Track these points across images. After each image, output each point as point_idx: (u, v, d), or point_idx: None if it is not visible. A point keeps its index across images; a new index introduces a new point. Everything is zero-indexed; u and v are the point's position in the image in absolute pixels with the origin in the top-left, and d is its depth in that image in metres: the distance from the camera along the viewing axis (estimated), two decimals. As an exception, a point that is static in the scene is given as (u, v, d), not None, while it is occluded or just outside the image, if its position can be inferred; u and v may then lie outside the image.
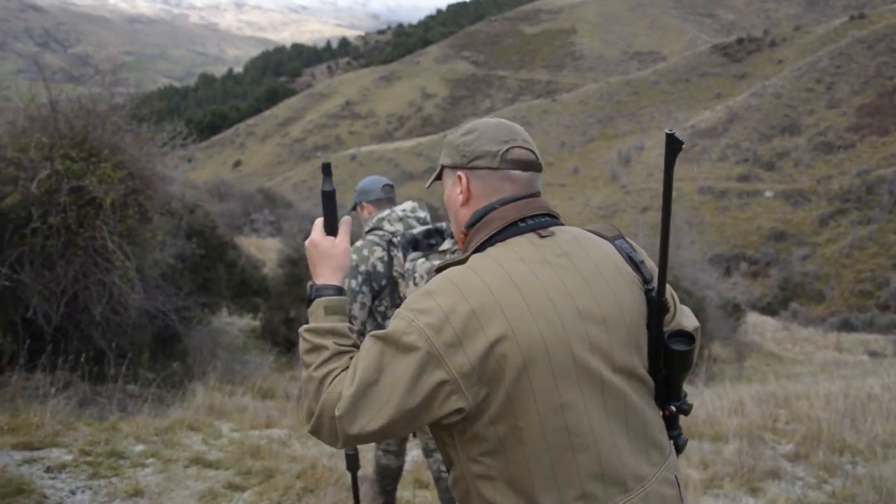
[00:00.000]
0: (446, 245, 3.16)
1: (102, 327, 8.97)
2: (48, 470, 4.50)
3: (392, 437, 1.53)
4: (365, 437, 1.49)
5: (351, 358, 1.58)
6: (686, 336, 1.64)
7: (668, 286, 1.69)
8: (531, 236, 1.63)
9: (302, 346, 1.62)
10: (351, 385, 1.48)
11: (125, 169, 8.88)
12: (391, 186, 3.78)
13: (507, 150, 1.68)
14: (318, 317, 1.65)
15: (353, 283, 3.37)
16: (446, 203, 1.79)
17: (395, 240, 3.46)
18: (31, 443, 5.00)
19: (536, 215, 1.66)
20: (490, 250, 1.61)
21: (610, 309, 1.57)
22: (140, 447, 5.08)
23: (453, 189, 1.74)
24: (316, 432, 1.53)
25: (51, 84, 9.16)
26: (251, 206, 33.44)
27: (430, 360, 1.46)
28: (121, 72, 10.59)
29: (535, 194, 1.71)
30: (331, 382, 1.52)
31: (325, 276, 1.73)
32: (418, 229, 3.31)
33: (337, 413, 1.47)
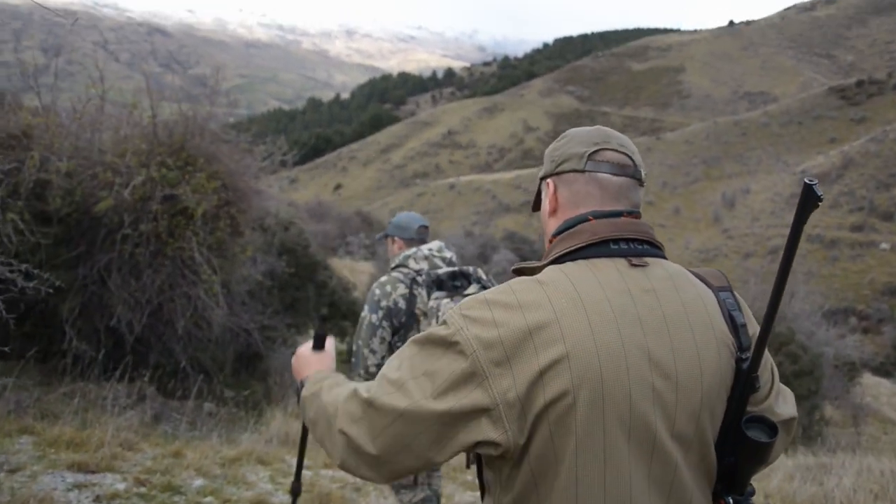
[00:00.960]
0: (472, 290, 3.21)
1: (184, 341, 8.70)
2: (97, 500, 4.09)
3: (419, 462, 1.36)
4: (394, 457, 1.36)
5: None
6: (769, 425, 1.39)
7: (770, 362, 1.52)
8: (620, 262, 1.41)
9: (306, 418, 1.57)
10: (371, 387, 1.40)
11: (219, 180, 8.64)
12: (426, 228, 3.80)
13: (596, 152, 1.49)
14: (310, 390, 1.62)
15: (374, 318, 3.40)
16: (541, 217, 1.61)
17: (419, 278, 3.47)
18: (88, 464, 4.63)
19: (633, 239, 1.44)
20: (568, 266, 1.40)
21: (687, 366, 1.34)
22: (199, 482, 4.63)
23: (545, 199, 1.58)
24: (348, 469, 1.45)
25: (153, 91, 9.00)
26: (347, 229, 33.71)
27: (473, 378, 1.29)
28: (234, 93, 10.46)
29: (636, 214, 1.49)
30: (336, 410, 1.44)
31: (307, 372, 1.76)
32: (444, 270, 3.41)
33: (343, 427, 1.41)
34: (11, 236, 7.36)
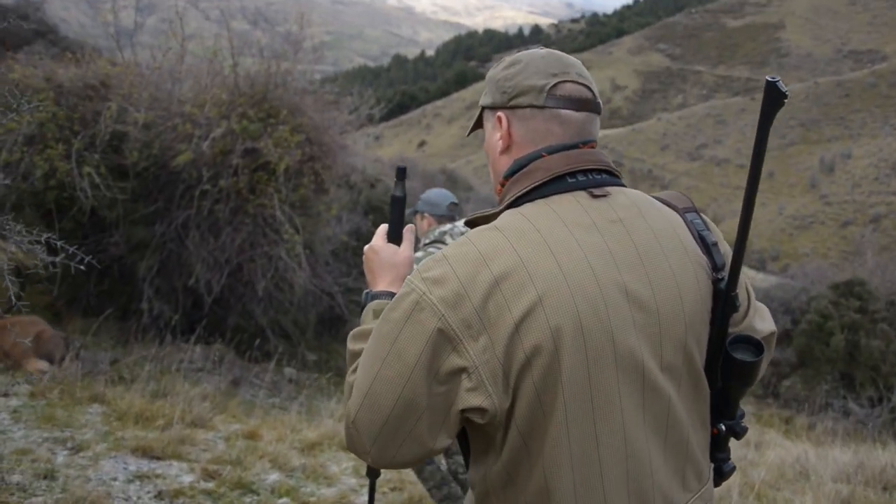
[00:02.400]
0: None
1: (264, 303, 8.28)
2: (158, 496, 3.60)
3: (421, 449, 1.25)
4: (384, 453, 1.25)
5: None
6: (754, 344, 1.32)
7: (744, 280, 1.42)
8: (581, 195, 1.30)
9: (347, 351, 1.41)
10: (356, 385, 1.26)
11: (303, 133, 8.11)
12: (457, 205, 3.75)
13: (556, 85, 1.36)
14: (365, 321, 1.46)
15: None
16: (486, 151, 1.48)
17: None
18: (153, 448, 4.18)
19: (590, 170, 1.34)
20: (526, 207, 1.29)
21: (666, 295, 1.26)
22: (274, 476, 4.11)
23: (492, 134, 1.43)
24: (350, 444, 1.29)
25: (234, 40, 8.47)
26: (432, 186, 33.14)
27: (446, 343, 1.18)
28: (320, 49, 9.97)
29: (591, 143, 1.37)
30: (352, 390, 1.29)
31: (383, 284, 1.56)
32: None
33: (349, 420, 1.25)
34: (87, 191, 7.00)
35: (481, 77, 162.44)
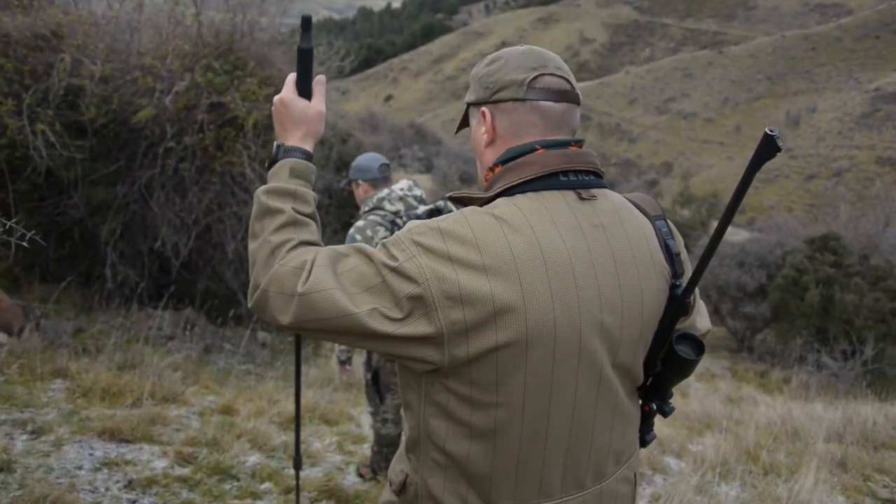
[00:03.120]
0: None
1: (235, 265, 7.92)
2: (129, 486, 3.29)
3: (344, 341, 1.31)
4: (314, 327, 1.28)
5: (309, 236, 1.40)
6: (696, 343, 1.47)
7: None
8: (569, 195, 1.38)
9: (256, 208, 1.42)
10: (327, 269, 1.28)
11: (272, 86, 7.67)
12: (388, 165, 3.71)
13: (535, 78, 1.42)
14: (280, 178, 1.46)
15: None
16: (473, 146, 1.55)
17: (398, 220, 3.43)
18: (122, 430, 3.86)
19: (581, 171, 1.41)
20: (520, 199, 1.34)
21: (631, 301, 1.38)
22: (254, 458, 3.81)
23: (478, 128, 1.50)
24: (260, 307, 1.32)
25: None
26: (401, 141, 32.77)
27: (421, 305, 1.24)
28: (286, 1, 9.50)
29: (580, 142, 1.45)
30: (287, 252, 1.33)
31: (295, 138, 1.54)
32: (422, 209, 3.40)
33: (300, 289, 1.26)
34: (42, 150, 6.54)
35: (449, 30, 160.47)
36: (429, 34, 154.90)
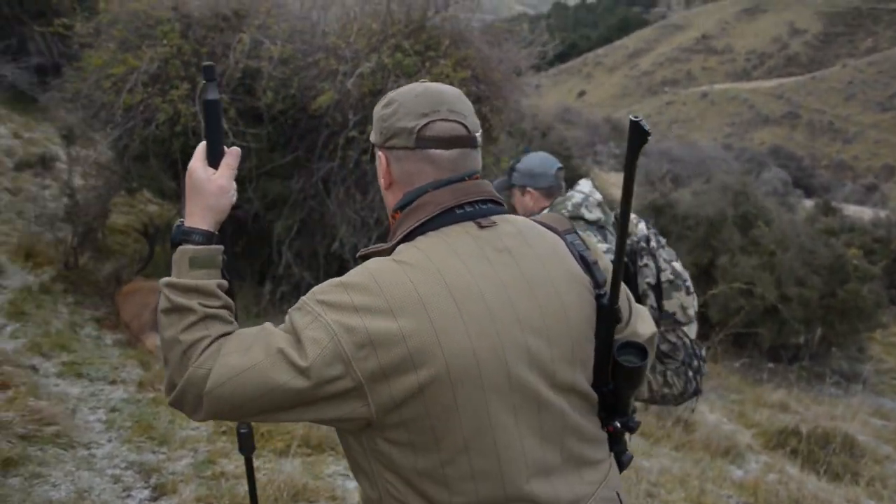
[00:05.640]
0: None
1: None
2: None
3: (268, 418, 1.30)
4: (235, 413, 1.29)
5: (223, 328, 1.34)
6: (638, 349, 1.45)
7: (624, 289, 1.53)
8: (469, 226, 1.40)
9: (162, 302, 1.37)
10: (232, 355, 1.27)
11: (469, 68, 6.66)
12: (562, 169, 3.15)
13: (426, 126, 1.40)
14: (181, 270, 1.39)
15: None
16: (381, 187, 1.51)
17: (608, 231, 2.97)
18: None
19: (476, 201, 1.43)
20: (420, 240, 1.37)
21: (554, 318, 1.38)
22: None
23: (379, 170, 1.49)
24: (177, 405, 1.32)
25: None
26: (596, 137, 31.31)
27: (335, 360, 1.23)
28: (478, 9, 8.52)
29: (475, 175, 1.46)
30: (200, 354, 1.29)
31: (194, 217, 1.43)
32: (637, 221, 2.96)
33: (206, 388, 1.26)
34: (215, 137, 5.89)
35: (646, 23, 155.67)
36: (625, 28, 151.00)
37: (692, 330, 2.90)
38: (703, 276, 10.15)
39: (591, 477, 1.44)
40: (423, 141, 1.40)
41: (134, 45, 6.26)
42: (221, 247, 1.42)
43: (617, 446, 1.54)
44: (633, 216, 2.94)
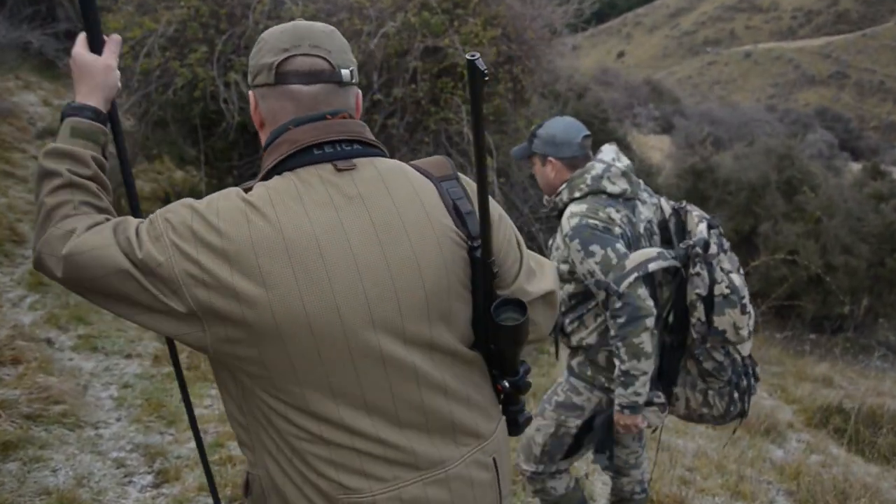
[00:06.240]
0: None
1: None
2: None
3: (121, 310, 1.30)
4: (88, 287, 1.28)
5: (87, 198, 1.36)
6: (517, 305, 1.37)
7: (514, 241, 1.48)
8: (326, 168, 1.33)
9: (36, 170, 1.40)
10: (91, 229, 1.29)
11: (499, 26, 6.35)
12: (589, 137, 2.77)
13: (284, 61, 1.35)
14: (60, 139, 1.41)
15: (620, 246, 2.50)
16: None
17: (641, 198, 2.71)
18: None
19: (339, 141, 1.35)
20: (274, 180, 1.32)
21: (402, 269, 1.31)
22: None
23: (251, 109, 1.47)
24: (38, 267, 1.33)
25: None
26: (635, 99, 30.57)
27: (170, 282, 1.23)
28: None
29: (342, 113, 1.37)
30: (61, 219, 1.31)
31: (82, 94, 1.47)
32: (665, 203, 2.80)
33: (64, 251, 1.27)
34: (234, 102, 5.70)
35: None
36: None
37: (746, 347, 2.62)
38: (745, 244, 9.78)
39: (464, 439, 1.40)
40: (281, 76, 1.35)
41: (151, 8, 6.06)
42: (107, 127, 1.46)
43: (512, 406, 1.50)
44: (696, 214, 2.72)
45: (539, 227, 7.00)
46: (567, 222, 2.58)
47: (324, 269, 1.24)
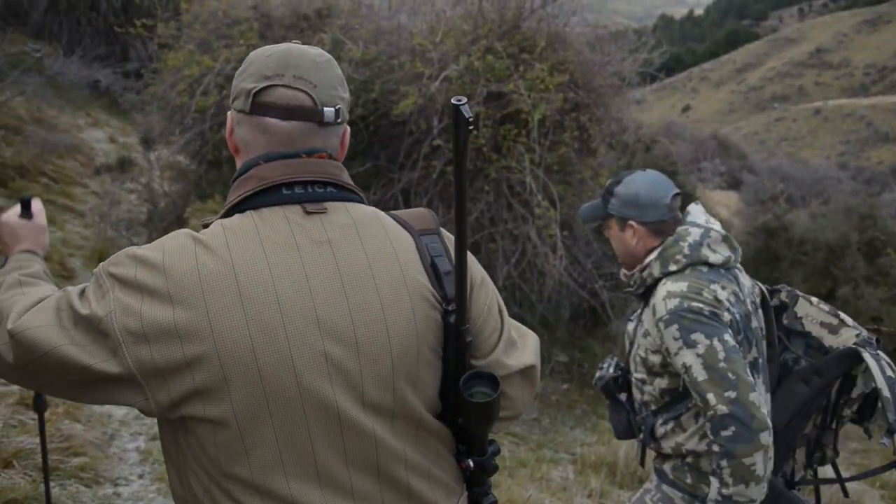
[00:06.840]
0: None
1: (507, 294, 6.46)
2: None
3: (74, 395, 1.21)
4: (40, 374, 1.18)
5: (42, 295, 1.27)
6: (490, 380, 1.23)
7: (495, 308, 1.34)
8: (294, 210, 1.22)
9: None
10: (32, 309, 1.20)
11: (566, 72, 6.08)
12: (679, 195, 2.27)
13: (263, 90, 1.22)
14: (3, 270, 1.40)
15: (729, 338, 2.03)
16: None
17: (739, 267, 2.24)
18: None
19: (312, 182, 1.23)
20: (233, 219, 1.21)
21: (368, 327, 1.18)
22: None
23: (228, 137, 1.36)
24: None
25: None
26: (701, 153, 30.08)
27: (109, 341, 1.12)
28: (579, 12, 7.92)
29: (320, 153, 1.26)
30: (20, 312, 1.20)
31: (16, 247, 1.48)
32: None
33: (9, 327, 1.17)
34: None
35: (756, 37, 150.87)
36: (733, 42, 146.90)
37: None
38: (822, 308, 9.23)
39: None
40: (257, 106, 1.24)
41: (211, 47, 5.98)
42: (42, 267, 1.44)
43: (477, 487, 1.34)
44: (748, 282, 2.32)
45: (603, 283, 6.61)
46: (663, 304, 2.11)
47: (278, 316, 1.13)
